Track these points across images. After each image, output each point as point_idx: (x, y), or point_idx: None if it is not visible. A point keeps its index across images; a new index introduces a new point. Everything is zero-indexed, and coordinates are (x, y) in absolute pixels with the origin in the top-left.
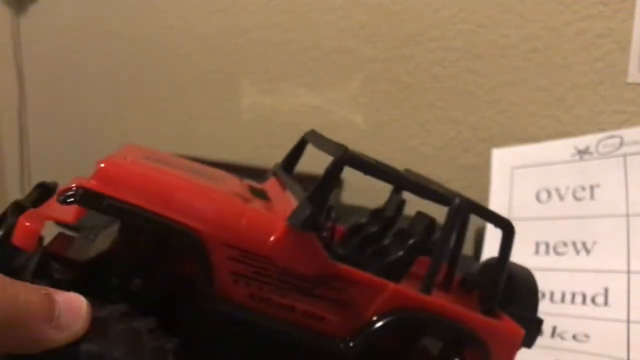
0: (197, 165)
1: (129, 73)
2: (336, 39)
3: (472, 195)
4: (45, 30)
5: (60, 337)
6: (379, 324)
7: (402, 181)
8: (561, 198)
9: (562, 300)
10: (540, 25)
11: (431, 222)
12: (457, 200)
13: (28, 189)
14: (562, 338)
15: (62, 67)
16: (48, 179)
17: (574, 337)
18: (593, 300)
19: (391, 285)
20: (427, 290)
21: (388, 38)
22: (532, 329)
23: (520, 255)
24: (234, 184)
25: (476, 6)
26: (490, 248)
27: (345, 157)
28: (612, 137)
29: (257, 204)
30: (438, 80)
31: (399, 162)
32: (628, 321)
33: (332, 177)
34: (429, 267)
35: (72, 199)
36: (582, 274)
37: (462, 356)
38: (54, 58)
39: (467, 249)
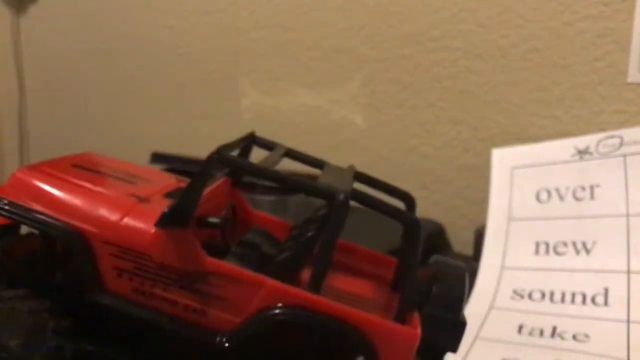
0: (136, 171)
1: (129, 73)
2: (336, 39)
3: (472, 195)
4: (45, 30)
5: None
6: (255, 319)
7: (280, 180)
8: (561, 198)
9: (562, 300)
10: (540, 25)
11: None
12: (341, 196)
13: None
14: (562, 338)
15: (62, 67)
16: None
17: (574, 337)
18: (593, 300)
19: (269, 281)
20: (314, 288)
21: (388, 38)
22: (453, 332)
23: (520, 255)
24: (153, 186)
25: (476, 6)
26: (491, 248)
27: (214, 159)
28: (612, 137)
29: (159, 204)
30: (438, 80)
31: (399, 162)
32: (628, 321)
33: (201, 177)
34: (314, 264)
35: None
36: (582, 274)
37: (349, 356)
38: (54, 58)
39: (467, 249)
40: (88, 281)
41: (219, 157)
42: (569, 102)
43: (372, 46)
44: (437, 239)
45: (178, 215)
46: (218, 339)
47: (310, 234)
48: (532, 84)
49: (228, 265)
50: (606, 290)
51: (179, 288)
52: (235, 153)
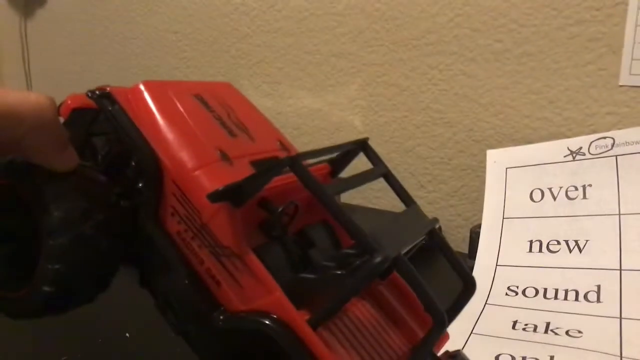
0: (250, 123)
1: (134, 76)
2: (335, 43)
3: (467, 194)
4: (51, 34)
5: None
6: (249, 316)
7: (333, 212)
8: (554, 197)
9: (556, 297)
10: (533, 30)
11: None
12: (377, 259)
13: None
14: (555, 334)
15: (68, 69)
16: None
17: (568, 332)
18: (586, 297)
19: (277, 292)
20: (313, 323)
21: (386, 43)
22: None
23: (514, 253)
24: (250, 147)
25: (471, 11)
26: (485, 246)
27: (285, 163)
28: (604, 138)
29: (238, 169)
30: (434, 84)
31: (396, 162)
32: (620, 317)
33: (268, 173)
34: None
35: (93, 95)
36: (575, 271)
37: None
38: (60, 61)
39: (463, 247)
40: (147, 206)
41: (291, 162)
42: (561, 104)
43: (370, 50)
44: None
45: (231, 197)
46: (215, 314)
47: (358, 262)
48: (526, 87)
49: (253, 258)
50: (599, 288)
51: (210, 252)
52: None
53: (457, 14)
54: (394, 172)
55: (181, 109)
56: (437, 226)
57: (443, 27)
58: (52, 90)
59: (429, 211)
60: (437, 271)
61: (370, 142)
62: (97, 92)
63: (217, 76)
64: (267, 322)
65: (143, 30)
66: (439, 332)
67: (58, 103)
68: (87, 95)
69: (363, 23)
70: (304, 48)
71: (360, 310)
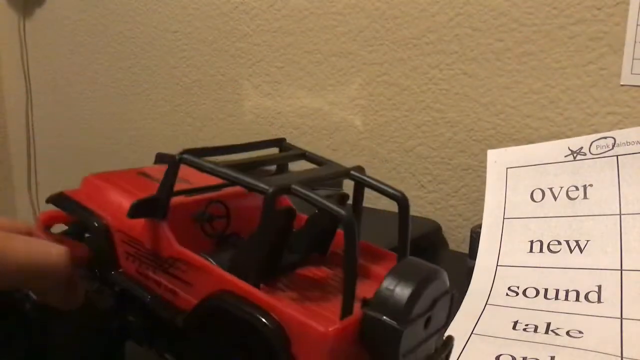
0: (195, 180)
1: (133, 76)
2: (335, 42)
3: (468, 194)
4: (50, 33)
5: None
6: (201, 304)
7: (221, 175)
8: (555, 197)
9: (556, 297)
10: (534, 29)
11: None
12: (270, 190)
13: (34, 188)
14: (556, 334)
15: (67, 69)
16: (54, 178)
17: (568, 333)
18: (587, 297)
19: (216, 270)
20: (253, 279)
21: (386, 42)
22: (391, 340)
23: (515, 254)
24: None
25: (472, 11)
26: (486, 246)
27: (176, 159)
28: (605, 137)
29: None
30: (435, 83)
31: (396, 162)
32: (621, 318)
33: (167, 177)
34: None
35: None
36: (575, 271)
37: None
38: (59, 61)
39: (463, 247)
40: (108, 261)
41: (180, 158)
42: (562, 104)
43: (371, 50)
44: (433, 237)
45: (145, 209)
46: (178, 319)
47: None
48: (527, 86)
49: (188, 253)
50: (599, 288)
51: (161, 271)
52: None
53: (457, 13)
54: (394, 171)
55: (125, 184)
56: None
57: (444, 26)
58: (51, 90)
59: (429, 211)
60: None
61: (370, 142)
62: (53, 197)
63: (216, 75)
64: (214, 298)
65: (142, 29)
66: (352, 231)
67: (57, 99)
68: (46, 201)
69: (363, 22)
70: (304, 47)
71: (314, 272)
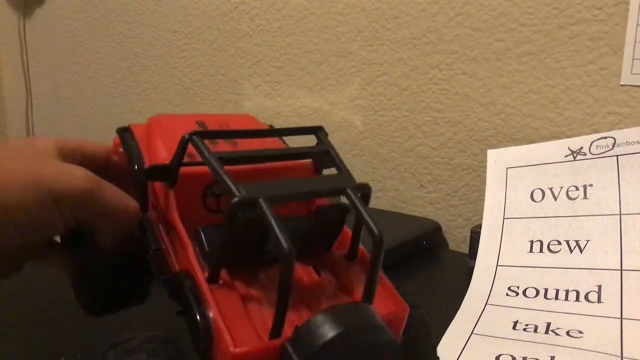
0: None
1: (133, 76)
2: (335, 42)
3: (468, 194)
4: (50, 33)
5: None
6: (171, 276)
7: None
8: (555, 198)
9: (556, 297)
10: (534, 29)
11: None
12: (234, 201)
13: None
14: (556, 334)
15: (67, 69)
16: None
17: (568, 333)
18: (587, 297)
19: (189, 248)
20: (210, 275)
21: (386, 42)
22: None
23: (515, 253)
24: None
25: (472, 10)
26: (486, 246)
27: (185, 140)
28: (605, 137)
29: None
30: (435, 83)
31: (396, 162)
32: (621, 318)
33: (176, 154)
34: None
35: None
36: (575, 271)
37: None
38: (59, 61)
39: (464, 247)
40: (141, 204)
41: (189, 138)
42: (562, 104)
43: (371, 50)
44: (433, 237)
45: (158, 174)
46: (162, 278)
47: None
48: (527, 86)
49: (178, 223)
50: (599, 288)
51: (165, 230)
52: None
53: (457, 13)
54: (394, 171)
55: (171, 131)
56: (354, 188)
57: (444, 26)
58: (50, 90)
59: (429, 211)
60: (437, 271)
61: (370, 142)
62: (121, 130)
63: (216, 75)
64: (176, 275)
65: (142, 29)
66: (287, 267)
67: (57, 98)
68: (116, 131)
69: (363, 22)
70: (304, 47)
71: (299, 273)
